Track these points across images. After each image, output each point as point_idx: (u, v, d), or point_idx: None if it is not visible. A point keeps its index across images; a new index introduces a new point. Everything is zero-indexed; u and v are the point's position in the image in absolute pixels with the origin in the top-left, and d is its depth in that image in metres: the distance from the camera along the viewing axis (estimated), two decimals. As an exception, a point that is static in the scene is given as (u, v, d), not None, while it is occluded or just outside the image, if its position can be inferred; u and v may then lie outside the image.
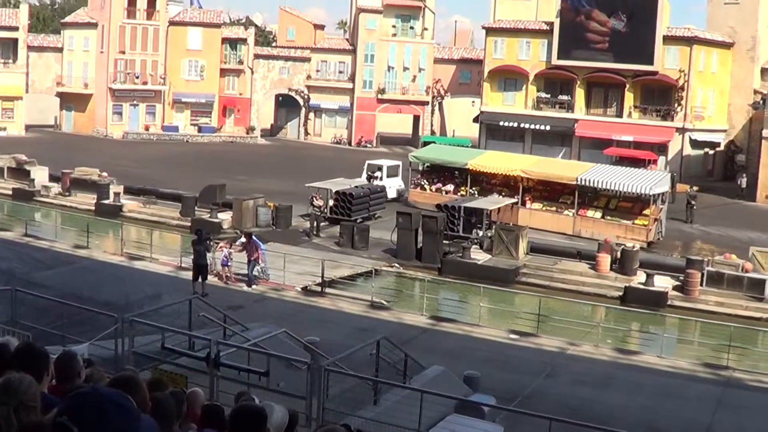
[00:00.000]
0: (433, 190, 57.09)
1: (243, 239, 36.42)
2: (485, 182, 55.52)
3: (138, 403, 4.77)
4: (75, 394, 3.87)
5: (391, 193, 57.91)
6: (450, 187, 56.80)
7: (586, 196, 51.09)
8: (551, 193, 52.44)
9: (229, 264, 35.64)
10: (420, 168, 60.20)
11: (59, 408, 3.88)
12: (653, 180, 50.01)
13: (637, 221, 48.68)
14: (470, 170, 55.17)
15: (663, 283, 37.61)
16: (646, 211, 49.00)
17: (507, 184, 54.15)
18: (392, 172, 60.53)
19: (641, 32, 77.26)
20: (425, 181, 58.49)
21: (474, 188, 54.90)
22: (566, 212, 50.56)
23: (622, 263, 39.50)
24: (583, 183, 50.16)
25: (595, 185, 50.31)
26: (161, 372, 16.50)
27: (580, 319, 33.09)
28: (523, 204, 52.03)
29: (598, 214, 50.04)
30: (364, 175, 59.12)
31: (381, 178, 58.62)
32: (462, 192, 55.17)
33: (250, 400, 9.13)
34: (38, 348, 6.91)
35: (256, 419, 6.68)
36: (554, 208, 51.01)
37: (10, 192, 56.24)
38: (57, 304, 22.04)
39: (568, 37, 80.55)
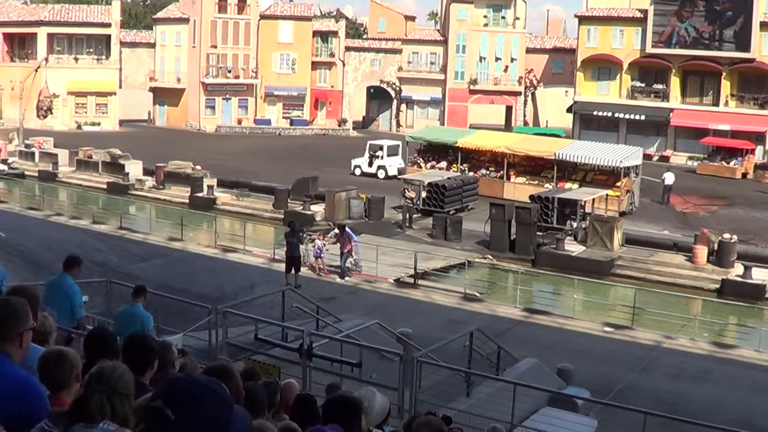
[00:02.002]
0: (428, 167, 60.85)
1: (336, 231, 36.63)
2: (475, 159, 60.11)
3: (231, 391, 4.82)
4: (170, 380, 3.93)
5: (392, 171, 63.15)
6: (443, 164, 60.79)
7: (566, 170, 54.84)
8: (534, 167, 56.78)
9: (321, 256, 35.83)
10: (418, 147, 64.72)
11: (154, 392, 3.94)
12: (625, 154, 54.38)
13: (610, 193, 51.03)
14: (461, 148, 59.60)
15: (762, 275, 36.84)
16: (619, 183, 52.51)
17: (495, 161, 58.58)
18: (392, 152, 65.25)
19: (738, 19, 76.00)
20: (421, 159, 62.93)
21: (464, 165, 59.38)
22: (547, 185, 53.61)
23: (720, 255, 38.76)
24: (561, 158, 54.18)
25: (573, 159, 54.37)
26: (254, 363, 16.66)
27: (676, 312, 32.63)
28: (508, 178, 56.54)
29: (576, 186, 52.45)
30: (366, 154, 64.91)
31: (382, 157, 64.03)
32: (454, 168, 59.10)
33: (342, 391, 9.17)
34: (149, 340, 7.03)
35: (352, 410, 6.66)
36: (536, 182, 54.83)
37: (105, 186, 57.15)
38: (151, 296, 22.34)
39: (662, 23, 79.59)
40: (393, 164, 64.16)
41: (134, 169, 58.95)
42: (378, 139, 70.62)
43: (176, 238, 42.40)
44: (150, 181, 57.24)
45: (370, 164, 64.63)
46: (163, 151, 68.29)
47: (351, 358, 17.92)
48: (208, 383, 3.88)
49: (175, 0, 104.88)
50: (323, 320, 22.98)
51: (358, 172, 64.71)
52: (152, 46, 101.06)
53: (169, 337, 16.39)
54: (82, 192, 56.63)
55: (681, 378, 25.48)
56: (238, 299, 26.18)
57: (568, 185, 52.61)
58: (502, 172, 56.95)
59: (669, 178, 56.60)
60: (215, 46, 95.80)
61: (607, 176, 53.49)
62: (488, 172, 57.95)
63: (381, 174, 63.71)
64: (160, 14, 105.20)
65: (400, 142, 65.94)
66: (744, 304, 33.83)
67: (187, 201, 52.61)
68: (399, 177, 58.44)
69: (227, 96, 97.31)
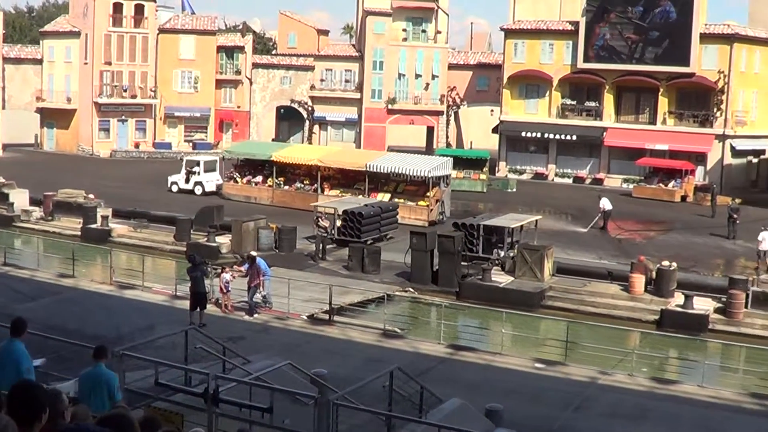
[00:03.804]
0: (244, 182, 66.43)
1: (247, 264, 36.31)
2: (290, 173, 65.35)
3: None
4: None
5: (210, 187, 67.92)
6: (259, 178, 66.03)
7: (379, 182, 61.11)
8: (347, 180, 62.33)
9: (230, 290, 35.56)
10: (234, 162, 69.57)
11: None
12: (434, 164, 59.76)
13: (420, 202, 57.88)
14: (276, 162, 64.25)
15: (703, 305, 37.34)
16: (429, 193, 58.00)
17: (310, 174, 63.85)
18: (210, 167, 69.11)
19: (676, 30, 77.17)
20: (237, 174, 67.57)
21: (279, 179, 64.63)
22: (360, 197, 57.57)
23: (658, 284, 39.26)
24: (372, 169, 59.70)
25: (383, 171, 60.08)
26: (155, 410, 16.54)
27: (612, 346, 32.92)
28: (323, 191, 61.35)
29: (387, 197, 58.57)
30: (183, 170, 68.86)
31: (199, 173, 67.60)
32: (269, 183, 64.57)
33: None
34: (36, 389, 6.81)
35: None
36: (349, 194, 59.33)
37: (-13, 218, 56.17)
38: (40, 339, 22.05)
39: (595, 37, 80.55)
40: (211, 180, 68.55)
41: (19, 198, 58.07)
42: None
43: (67, 275, 41.80)
44: (37, 212, 56.48)
45: (187, 180, 67.97)
46: (52, 178, 67.59)
47: (261, 403, 17.82)
48: (103, 434, 3.89)
49: (65, 12, 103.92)
50: (230, 362, 22.83)
51: (174, 188, 67.96)
52: (39, 62, 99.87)
53: (59, 384, 16.21)
54: (-40, 225, 55.82)
55: (618, 417, 25.69)
56: (136, 340, 25.93)
57: (380, 196, 58.21)
58: (316, 185, 62.04)
59: (607, 203, 56.99)
60: (109, 63, 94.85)
61: (417, 186, 59.74)
62: (303, 186, 63.37)
63: (198, 190, 66.80)
64: (47, 27, 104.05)
65: (217, 158, 70.38)
66: (685, 337, 34.23)
67: (79, 233, 52.01)
68: (216, 193, 63.97)
69: (123, 117, 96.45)
